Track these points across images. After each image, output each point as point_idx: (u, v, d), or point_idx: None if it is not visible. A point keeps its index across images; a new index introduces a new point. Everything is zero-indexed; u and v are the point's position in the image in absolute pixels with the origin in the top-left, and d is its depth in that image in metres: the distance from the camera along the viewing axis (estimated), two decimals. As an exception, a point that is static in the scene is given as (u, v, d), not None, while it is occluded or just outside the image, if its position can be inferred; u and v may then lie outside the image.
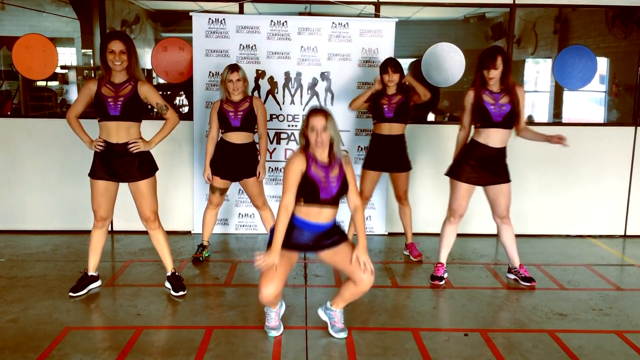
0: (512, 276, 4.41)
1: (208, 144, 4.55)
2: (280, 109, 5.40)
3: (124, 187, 3.96)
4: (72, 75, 9.33)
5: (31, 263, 4.66)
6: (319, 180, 3.16)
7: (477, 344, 3.36)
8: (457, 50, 5.51)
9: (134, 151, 3.79)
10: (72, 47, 10.70)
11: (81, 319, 3.65)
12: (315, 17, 5.63)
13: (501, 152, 4.11)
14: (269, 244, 3.19)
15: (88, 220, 4.14)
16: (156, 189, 3.98)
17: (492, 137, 4.06)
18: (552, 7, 7.61)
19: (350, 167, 3.29)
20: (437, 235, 4.47)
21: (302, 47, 5.32)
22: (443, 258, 4.38)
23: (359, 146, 5.45)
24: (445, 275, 4.37)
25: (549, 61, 8.90)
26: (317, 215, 3.20)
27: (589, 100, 8.80)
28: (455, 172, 4.18)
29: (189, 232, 5.55)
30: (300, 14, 6.14)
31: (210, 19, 5.27)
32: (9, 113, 7.75)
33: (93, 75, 9.63)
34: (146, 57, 6.65)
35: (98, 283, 4.12)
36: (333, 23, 5.31)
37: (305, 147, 3.21)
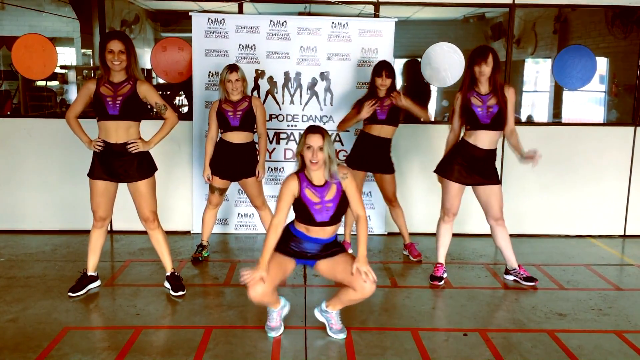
0: (509, 277, 4.40)
1: (207, 144, 4.55)
2: (280, 109, 5.40)
3: (123, 187, 3.96)
4: (71, 75, 9.33)
5: (30, 263, 4.66)
6: (311, 204, 3.16)
7: (476, 344, 3.36)
8: (456, 50, 5.51)
9: (133, 151, 3.79)
10: (72, 47, 10.70)
11: (80, 319, 3.65)
12: (315, 17, 5.64)
13: (490, 154, 4.12)
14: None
15: (87, 220, 4.14)
16: (155, 189, 3.98)
17: (481, 139, 4.07)
18: (552, 7, 7.61)
19: (351, 181, 3.23)
20: (435, 234, 4.47)
21: (301, 47, 5.32)
22: (441, 258, 4.39)
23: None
24: (445, 275, 4.37)
25: (549, 61, 8.90)
26: (317, 232, 3.23)
27: (588, 100, 8.80)
28: (445, 171, 4.21)
29: (188, 232, 5.55)
30: (300, 13, 6.14)
31: (209, 18, 5.27)
32: (8, 113, 7.76)
33: (93, 75, 9.63)
34: (145, 57, 6.65)
35: (97, 283, 4.12)
36: (332, 23, 5.31)
37: (301, 169, 3.21)
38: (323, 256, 3.29)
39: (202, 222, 4.81)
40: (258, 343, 3.32)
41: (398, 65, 5.29)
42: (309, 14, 6.05)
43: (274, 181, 5.46)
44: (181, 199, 5.51)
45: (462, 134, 4.22)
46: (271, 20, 5.28)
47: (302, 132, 3.53)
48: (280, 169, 5.46)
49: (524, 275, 4.31)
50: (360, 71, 5.36)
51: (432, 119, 6.75)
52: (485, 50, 4.00)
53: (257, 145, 4.63)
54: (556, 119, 8.67)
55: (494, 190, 4.16)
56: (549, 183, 5.61)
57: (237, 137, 4.48)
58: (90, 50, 10.25)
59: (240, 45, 5.30)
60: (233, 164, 4.51)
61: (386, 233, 5.59)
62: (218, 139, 4.57)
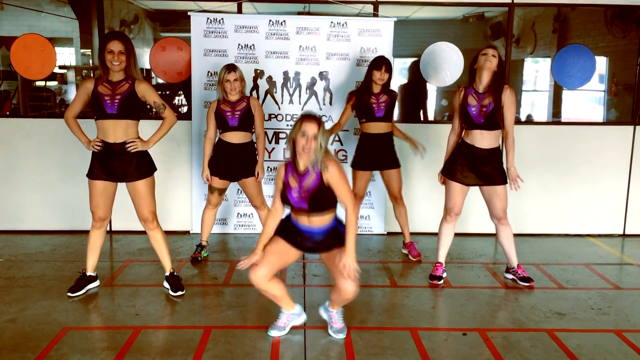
0: (510, 276, 4.40)
1: (206, 144, 4.55)
2: (279, 109, 5.39)
3: (122, 187, 3.95)
4: (70, 75, 9.33)
5: (29, 263, 4.65)
6: (289, 190, 3.18)
7: (475, 344, 3.36)
8: (455, 50, 5.50)
9: (132, 150, 3.78)
10: (71, 47, 10.69)
11: (79, 319, 3.65)
12: (314, 16, 5.63)
13: (492, 153, 4.08)
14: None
15: (87, 220, 4.13)
16: (154, 189, 3.97)
17: (477, 139, 4.05)
18: (551, 6, 7.61)
19: (334, 172, 3.10)
20: (436, 234, 4.47)
21: (300, 46, 5.32)
22: (442, 257, 4.38)
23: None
24: (444, 275, 4.37)
25: (548, 60, 8.89)
26: (306, 220, 3.21)
27: (588, 100, 8.80)
28: (448, 172, 4.20)
29: (187, 232, 5.55)
30: (299, 13, 6.13)
31: (208, 18, 5.26)
32: (7, 113, 7.74)
33: (92, 75, 9.63)
34: (145, 57, 6.65)
35: (96, 283, 4.12)
36: (331, 22, 5.31)
37: (292, 156, 3.19)
38: (322, 249, 3.28)
39: (201, 222, 4.81)
40: (257, 343, 3.32)
41: (398, 64, 5.29)
42: (308, 13, 6.05)
43: (273, 181, 5.46)
44: (180, 198, 5.51)
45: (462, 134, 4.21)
46: (270, 20, 5.28)
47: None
48: (279, 169, 5.46)
49: (521, 275, 4.31)
50: (359, 71, 5.35)
51: (432, 119, 6.75)
52: (493, 46, 4.04)
53: (255, 145, 4.62)
54: (555, 118, 8.67)
55: (497, 190, 4.15)
56: (549, 182, 5.61)
57: (235, 137, 4.48)
58: (90, 50, 10.24)
59: (239, 45, 5.30)
60: (232, 164, 4.51)
61: (386, 233, 5.59)
62: (217, 139, 4.56)
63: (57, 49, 5.62)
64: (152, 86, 3.90)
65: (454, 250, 5.00)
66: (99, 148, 3.77)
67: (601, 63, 7.87)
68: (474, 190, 4.26)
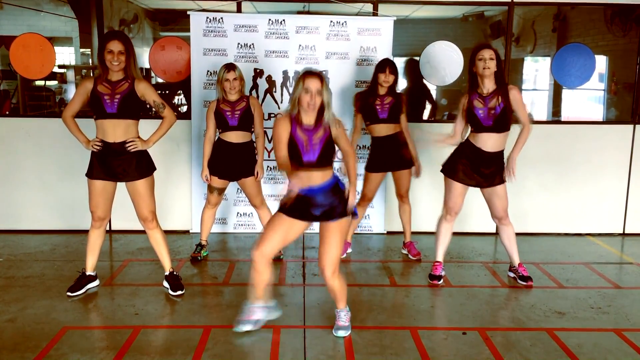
0: (512, 275, 4.41)
1: (205, 144, 4.54)
2: (279, 108, 5.39)
3: (121, 186, 3.95)
4: (70, 75, 9.33)
5: (29, 263, 4.65)
6: (301, 143, 3.14)
7: (475, 343, 3.36)
8: (455, 49, 5.50)
9: (132, 150, 3.78)
10: (71, 46, 10.69)
11: (79, 318, 3.64)
12: (313, 15, 5.63)
13: (496, 156, 4.05)
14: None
15: (86, 219, 4.13)
16: (154, 188, 3.97)
17: (484, 141, 4.01)
18: (551, 5, 7.60)
19: (341, 130, 3.21)
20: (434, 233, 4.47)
21: (300, 45, 5.31)
22: (440, 256, 4.38)
23: (358, 145, 5.43)
24: (443, 273, 4.37)
25: (548, 59, 8.89)
26: (308, 180, 3.15)
27: (587, 99, 8.80)
28: (449, 171, 4.18)
29: (187, 232, 5.54)
30: (299, 12, 6.13)
31: (208, 17, 5.26)
32: (7, 113, 7.74)
33: (92, 74, 9.62)
34: (144, 56, 6.64)
35: (96, 283, 4.12)
36: (331, 22, 5.30)
37: (292, 113, 3.18)
38: (329, 214, 3.20)
39: (200, 222, 4.81)
40: (257, 342, 3.32)
41: (397, 64, 5.29)
42: (308, 12, 6.05)
43: (272, 180, 5.46)
44: (180, 198, 5.50)
45: (467, 134, 4.17)
46: (270, 19, 5.27)
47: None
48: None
49: (521, 274, 4.31)
50: (359, 70, 5.35)
51: (432, 118, 6.75)
52: (487, 45, 4.00)
53: (255, 145, 4.62)
54: (555, 117, 8.67)
55: (496, 190, 4.14)
56: (548, 181, 5.61)
57: (235, 137, 4.48)
58: (89, 50, 10.23)
59: (238, 44, 5.29)
60: (232, 163, 4.50)
61: (385, 232, 5.59)
62: (216, 138, 4.56)
63: (57, 49, 5.62)
64: (151, 85, 3.90)
65: (454, 249, 5.00)
66: (98, 148, 3.77)
67: (601, 62, 7.87)
68: (474, 190, 4.25)
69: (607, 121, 7.16)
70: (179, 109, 7.73)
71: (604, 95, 8.29)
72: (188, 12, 5.28)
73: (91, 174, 3.83)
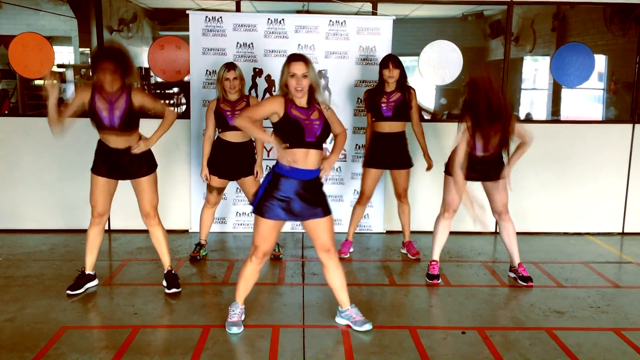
0: (513, 275, 4.40)
1: (205, 143, 4.54)
2: (278, 107, 5.38)
3: (122, 185, 3.95)
4: (69, 74, 9.32)
5: (28, 262, 4.65)
6: (301, 120, 3.19)
7: (474, 342, 3.36)
8: (454, 49, 5.50)
9: (136, 153, 3.79)
10: (70, 45, 10.69)
11: (78, 318, 3.64)
12: (313, 15, 5.63)
13: (491, 158, 4.03)
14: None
15: (85, 219, 4.13)
16: (157, 184, 3.99)
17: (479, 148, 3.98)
18: (550, 5, 7.60)
19: (332, 111, 3.35)
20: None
21: (299, 45, 5.31)
22: (437, 255, 4.38)
23: (356, 144, 5.44)
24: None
25: (547, 59, 8.90)
26: (304, 160, 3.21)
27: (587, 98, 8.80)
28: (449, 168, 4.18)
29: (186, 231, 5.54)
30: (298, 12, 6.14)
31: (207, 17, 5.25)
32: (6, 112, 7.74)
33: (91, 74, 9.62)
34: (143, 56, 6.64)
35: (95, 282, 4.11)
36: (330, 21, 5.30)
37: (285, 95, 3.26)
38: (308, 216, 3.29)
39: (200, 221, 4.80)
40: (256, 342, 3.31)
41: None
42: (307, 12, 6.05)
43: (272, 180, 5.45)
44: (179, 197, 5.50)
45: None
46: (269, 19, 5.27)
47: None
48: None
49: (521, 275, 4.31)
50: (358, 69, 5.35)
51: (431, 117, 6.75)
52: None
53: (254, 144, 4.62)
54: (555, 116, 8.67)
55: (495, 184, 4.14)
56: (548, 181, 5.61)
57: (235, 136, 4.47)
58: (88, 49, 10.23)
59: (237, 43, 5.29)
60: (231, 163, 4.50)
61: (384, 231, 5.58)
62: (215, 138, 4.56)
63: (56, 48, 5.62)
64: (146, 92, 3.89)
65: (453, 248, 5.01)
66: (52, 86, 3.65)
67: (600, 61, 7.87)
68: (474, 189, 4.25)
69: (606, 120, 7.17)
70: (178, 108, 7.73)
71: (603, 94, 8.30)
72: (187, 12, 5.27)
73: (97, 170, 3.85)
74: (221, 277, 4.38)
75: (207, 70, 5.30)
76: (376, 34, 5.31)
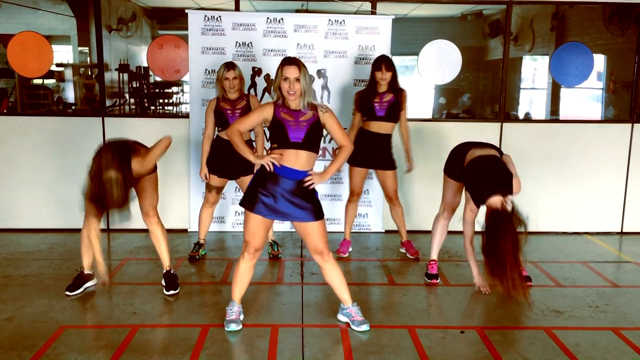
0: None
1: (204, 142, 4.54)
2: (277, 107, 5.38)
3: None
4: (68, 73, 9.31)
5: (27, 262, 4.65)
6: (286, 122, 3.24)
7: (473, 341, 3.36)
8: (454, 48, 5.49)
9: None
10: (69, 44, 10.69)
11: (77, 317, 3.64)
12: (312, 14, 5.62)
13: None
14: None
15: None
16: (157, 185, 4.00)
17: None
18: (549, 4, 7.61)
19: (331, 115, 3.31)
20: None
21: (298, 44, 5.30)
22: (435, 254, 4.39)
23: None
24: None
25: (546, 58, 8.90)
26: (294, 160, 3.24)
27: (586, 97, 8.81)
28: (450, 170, 4.19)
29: (185, 231, 5.54)
30: (297, 11, 6.13)
31: (206, 16, 5.25)
32: (5, 111, 7.73)
33: (89, 72, 9.62)
34: (142, 55, 6.64)
35: (94, 281, 4.11)
36: (329, 20, 5.29)
37: (278, 101, 3.31)
38: (296, 218, 3.31)
39: (199, 220, 4.80)
40: (255, 341, 3.31)
41: (396, 62, 5.29)
42: (306, 11, 6.05)
43: (271, 179, 5.45)
44: (178, 197, 5.49)
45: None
46: (268, 18, 5.26)
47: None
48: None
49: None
50: (357, 68, 5.35)
51: (430, 117, 6.75)
52: None
53: (254, 144, 4.61)
54: (554, 116, 8.68)
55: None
56: (546, 180, 5.61)
57: (234, 135, 4.47)
58: (87, 48, 10.23)
59: (236, 42, 5.28)
60: (231, 162, 4.50)
61: (384, 231, 5.58)
62: (215, 137, 4.55)
63: (54, 47, 5.62)
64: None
65: (452, 248, 5.01)
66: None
67: (599, 61, 7.88)
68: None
69: (605, 120, 7.17)
70: (177, 107, 7.72)
71: (602, 94, 8.31)
72: (186, 10, 5.27)
73: None
74: (220, 276, 4.38)
75: (206, 70, 5.30)
76: (375, 34, 5.31)
